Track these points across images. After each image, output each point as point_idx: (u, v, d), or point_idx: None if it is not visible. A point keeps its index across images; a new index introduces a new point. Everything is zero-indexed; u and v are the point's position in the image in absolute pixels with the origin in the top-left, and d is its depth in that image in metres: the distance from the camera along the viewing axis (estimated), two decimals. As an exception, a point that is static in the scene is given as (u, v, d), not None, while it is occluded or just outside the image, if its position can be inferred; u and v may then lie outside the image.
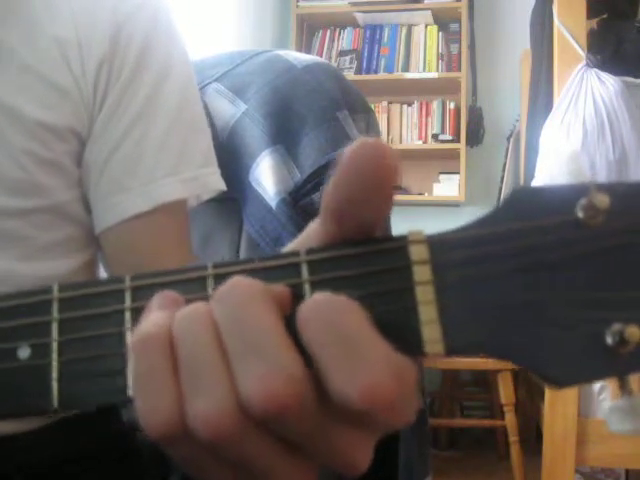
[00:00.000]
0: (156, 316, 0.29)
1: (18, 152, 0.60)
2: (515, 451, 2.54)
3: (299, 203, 0.85)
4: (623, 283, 0.28)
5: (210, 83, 0.89)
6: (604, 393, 2.12)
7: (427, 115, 3.48)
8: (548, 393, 2.08)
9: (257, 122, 0.85)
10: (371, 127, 0.88)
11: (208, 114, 0.75)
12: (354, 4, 3.48)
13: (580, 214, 0.28)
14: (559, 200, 0.28)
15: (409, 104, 3.51)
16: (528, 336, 0.27)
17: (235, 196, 0.87)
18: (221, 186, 0.70)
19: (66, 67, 0.62)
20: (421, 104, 3.49)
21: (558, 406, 2.06)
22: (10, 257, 0.61)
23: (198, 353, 0.27)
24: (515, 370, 2.61)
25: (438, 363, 2.61)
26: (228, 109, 0.87)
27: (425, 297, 0.28)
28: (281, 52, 0.90)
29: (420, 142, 3.44)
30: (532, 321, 0.27)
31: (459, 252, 0.28)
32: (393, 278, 0.28)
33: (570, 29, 2.14)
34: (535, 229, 0.28)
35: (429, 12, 3.43)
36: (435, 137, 3.43)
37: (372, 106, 3.50)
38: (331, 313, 0.27)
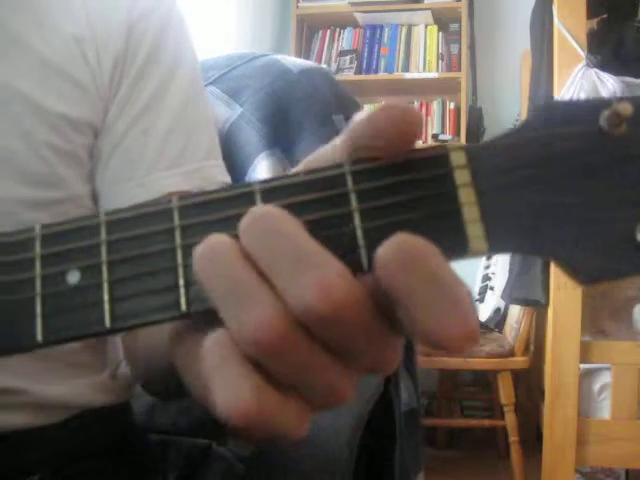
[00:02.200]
0: None
1: (40, 144, 0.61)
2: (515, 451, 2.54)
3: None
4: None
5: (206, 86, 0.89)
6: (604, 393, 2.12)
7: (427, 115, 3.47)
8: (548, 393, 2.08)
9: (253, 125, 0.85)
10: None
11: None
12: (354, 4, 3.48)
13: (603, 123, 0.29)
14: (583, 111, 0.30)
15: (409, 104, 3.50)
16: (562, 235, 0.29)
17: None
18: (225, 178, 0.71)
19: (85, 64, 0.64)
20: (421, 104, 3.49)
21: (558, 406, 2.06)
22: None
23: (230, 277, 0.28)
24: (515, 370, 2.61)
25: (437, 363, 2.61)
26: (224, 112, 0.87)
27: (467, 199, 0.29)
28: (277, 56, 0.91)
29: (420, 142, 3.43)
30: (565, 221, 0.29)
31: (494, 158, 0.30)
32: (437, 183, 0.30)
33: (570, 29, 2.14)
34: (562, 137, 0.30)
35: (429, 12, 3.43)
36: (435, 137, 3.42)
37: (372, 106, 3.50)
38: (419, 259, 0.27)
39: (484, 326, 2.81)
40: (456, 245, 0.29)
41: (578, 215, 0.29)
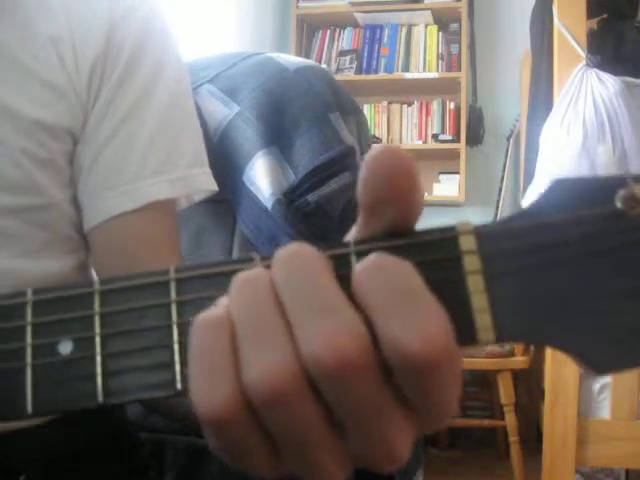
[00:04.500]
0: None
1: (15, 151, 0.60)
2: (515, 451, 2.54)
3: (294, 204, 0.85)
4: None
5: (203, 84, 0.89)
6: (604, 393, 2.12)
7: (427, 115, 3.47)
8: (548, 393, 2.08)
9: (250, 123, 0.85)
10: (361, 128, 0.89)
11: (200, 115, 0.75)
12: (354, 4, 3.48)
13: (619, 205, 0.29)
14: (598, 191, 0.29)
15: (409, 104, 3.51)
16: (572, 325, 0.28)
17: (228, 197, 0.88)
18: (212, 186, 0.69)
19: (61, 66, 0.62)
20: (421, 104, 3.49)
21: (558, 406, 2.05)
22: (10, 255, 0.61)
23: (257, 314, 0.28)
24: (515, 370, 2.61)
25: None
26: (221, 110, 0.87)
27: (476, 286, 0.29)
28: (272, 54, 0.91)
29: (420, 142, 3.44)
30: (576, 310, 0.28)
31: (505, 243, 0.29)
32: (445, 268, 0.29)
33: (570, 29, 2.14)
34: (576, 220, 0.29)
35: (429, 12, 3.43)
36: (435, 137, 3.42)
37: (372, 106, 3.50)
38: (388, 269, 0.27)
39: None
40: (464, 334, 0.28)
41: (589, 304, 0.28)
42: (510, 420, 2.55)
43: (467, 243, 0.29)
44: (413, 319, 0.26)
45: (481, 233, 0.29)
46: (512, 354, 2.57)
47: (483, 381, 3.10)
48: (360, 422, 0.28)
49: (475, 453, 2.99)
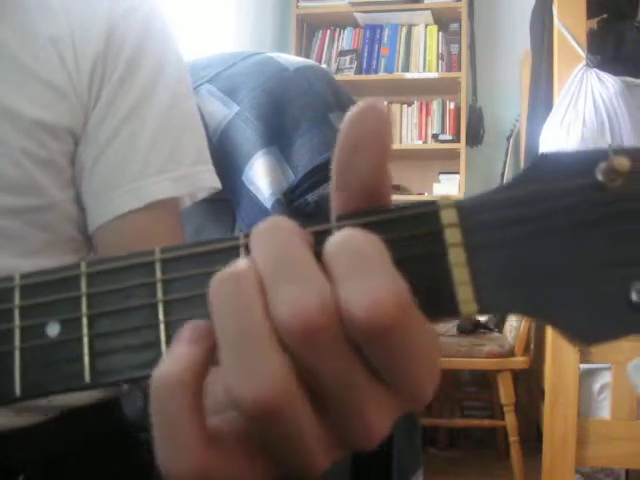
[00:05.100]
0: (180, 352, 0.28)
1: (16, 151, 0.60)
2: (515, 451, 2.54)
3: (294, 204, 0.85)
4: None
5: (202, 84, 0.90)
6: (604, 393, 2.12)
7: (427, 115, 3.48)
8: (548, 393, 2.08)
9: (250, 123, 0.86)
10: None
11: (200, 115, 0.75)
12: (354, 4, 3.48)
13: (600, 177, 0.29)
14: (579, 164, 0.29)
15: (409, 104, 3.51)
16: (555, 296, 0.28)
17: (227, 197, 0.88)
18: (215, 184, 0.70)
19: (61, 66, 0.63)
20: (421, 104, 3.49)
21: (558, 406, 2.05)
22: (10, 255, 0.61)
23: (236, 294, 0.27)
24: (515, 370, 2.61)
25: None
26: (220, 110, 0.88)
27: (457, 259, 0.29)
28: (272, 54, 0.91)
29: (420, 142, 3.44)
30: (558, 281, 0.28)
31: (486, 215, 0.29)
32: (427, 241, 0.29)
33: (570, 29, 2.14)
34: (557, 192, 0.29)
35: (429, 12, 3.43)
36: (435, 137, 3.43)
37: (372, 106, 3.50)
38: (351, 241, 0.27)
39: (484, 326, 2.81)
40: (445, 308, 0.28)
41: (571, 275, 0.28)
42: (510, 420, 2.55)
43: (448, 216, 0.29)
44: (363, 285, 0.26)
45: (462, 206, 0.29)
46: (512, 354, 2.57)
47: (483, 381, 3.10)
48: (332, 392, 0.27)
49: (475, 453, 2.99)
